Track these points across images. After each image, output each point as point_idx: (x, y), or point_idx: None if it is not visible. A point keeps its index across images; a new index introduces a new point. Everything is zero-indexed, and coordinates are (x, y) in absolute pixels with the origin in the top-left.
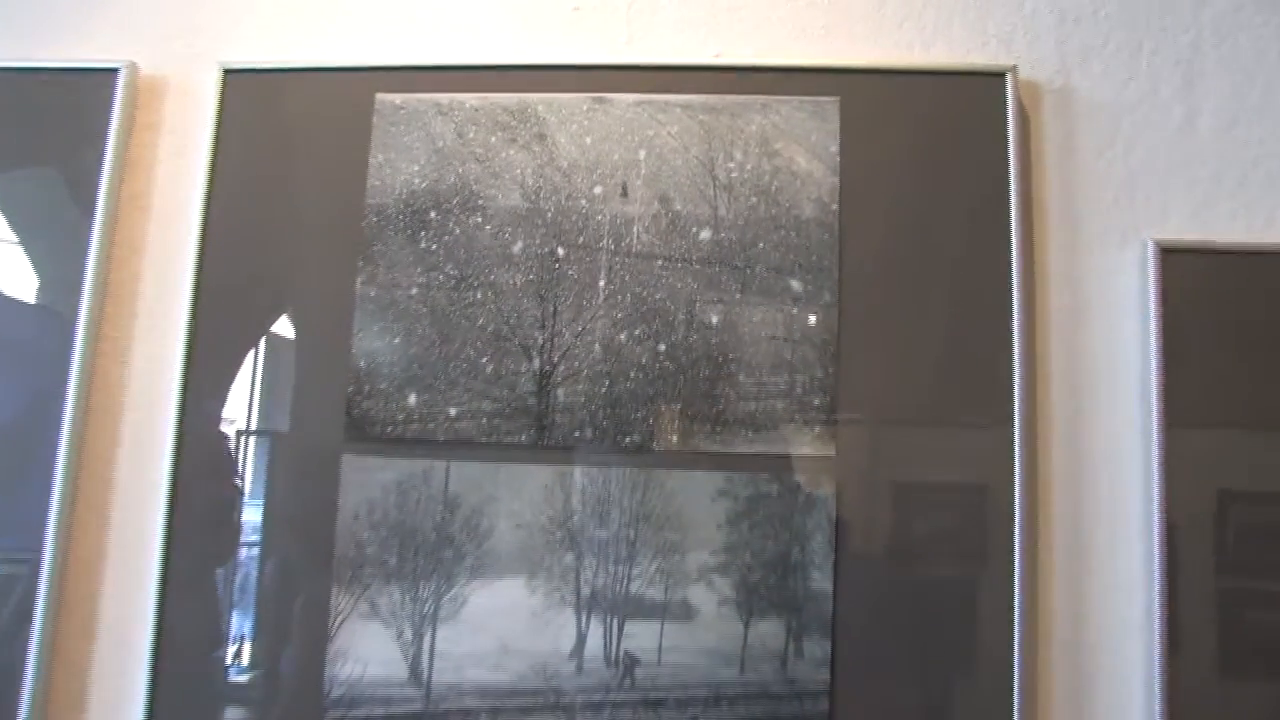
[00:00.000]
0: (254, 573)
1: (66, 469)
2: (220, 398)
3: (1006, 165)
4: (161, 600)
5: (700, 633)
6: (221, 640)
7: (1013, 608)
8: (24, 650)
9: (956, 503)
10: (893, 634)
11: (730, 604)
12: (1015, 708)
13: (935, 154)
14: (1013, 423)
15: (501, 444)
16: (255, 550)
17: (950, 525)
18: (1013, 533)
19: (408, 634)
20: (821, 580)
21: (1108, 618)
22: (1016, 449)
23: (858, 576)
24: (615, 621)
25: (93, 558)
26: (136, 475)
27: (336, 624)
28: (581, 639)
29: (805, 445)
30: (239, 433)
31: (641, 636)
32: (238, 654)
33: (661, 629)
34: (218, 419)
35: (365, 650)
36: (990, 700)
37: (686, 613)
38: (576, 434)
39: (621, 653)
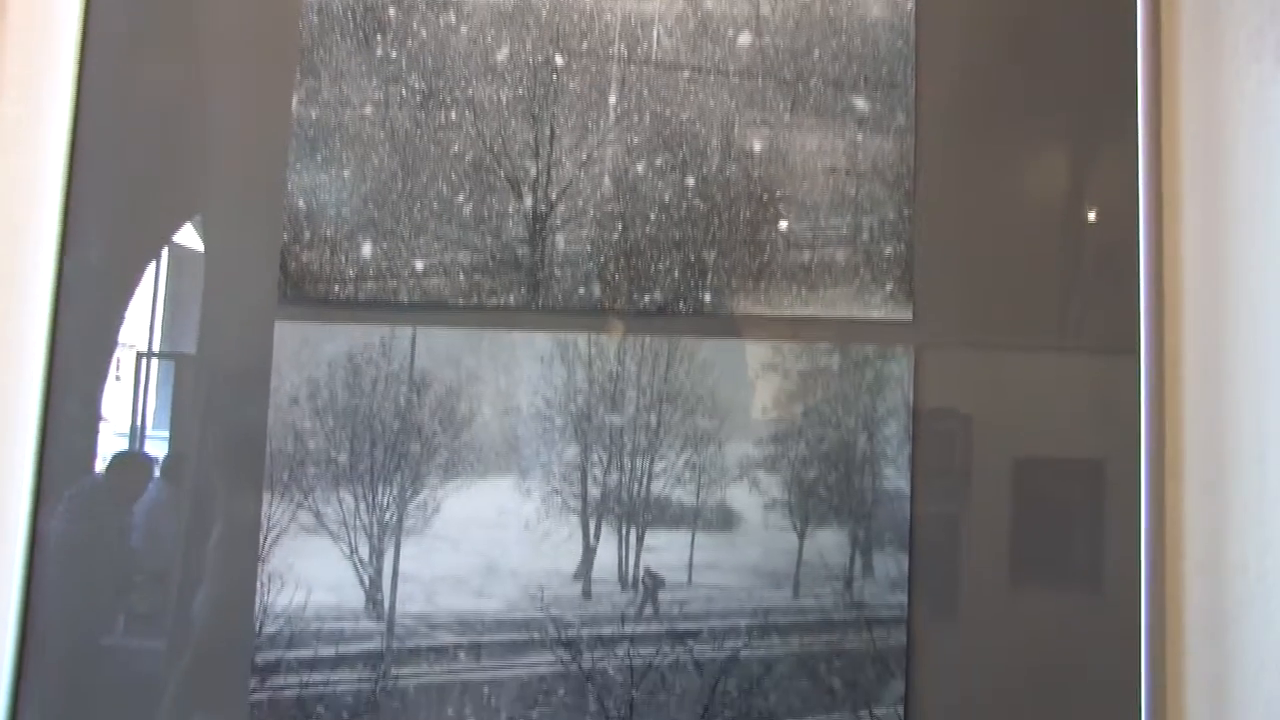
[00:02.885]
0: (158, 480)
1: None
2: (106, 259)
3: None
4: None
5: (742, 545)
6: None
7: (1139, 512)
8: None
9: (1068, 376)
10: (986, 547)
11: (780, 509)
12: (1144, 642)
13: None
14: (1137, 289)
15: (484, 306)
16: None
17: (1061, 407)
18: (1139, 420)
19: (363, 551)
20: (896, 478)
21: (1246, 544)
22: (1143, 321)
23: (942, 474)
24: (633, 532)
25: None
26: None
27: (270, 540)
28: (589, 555)
29: (874, 307)
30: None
31: (667, 551)
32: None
33: (692, 541)
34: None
35: (308, 573)
36: (1112, 630)
37: (724, 520)
38: (581, 292)
39: (641, 572)
